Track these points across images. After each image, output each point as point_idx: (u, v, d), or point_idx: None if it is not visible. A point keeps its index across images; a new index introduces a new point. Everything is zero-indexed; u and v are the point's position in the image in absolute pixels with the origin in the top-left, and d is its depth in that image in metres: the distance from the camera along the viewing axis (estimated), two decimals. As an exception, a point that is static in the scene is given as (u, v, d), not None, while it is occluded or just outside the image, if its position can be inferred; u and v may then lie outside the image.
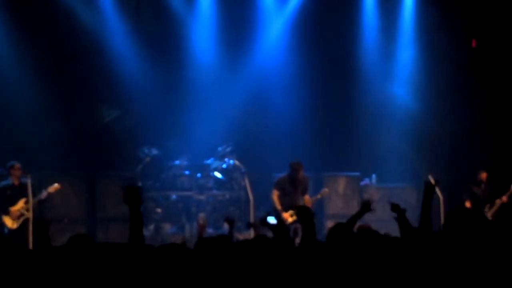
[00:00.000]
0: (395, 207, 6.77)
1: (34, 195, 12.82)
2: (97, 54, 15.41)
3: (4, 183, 13.17)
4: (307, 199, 13.31)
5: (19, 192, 12.92)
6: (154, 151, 15.15)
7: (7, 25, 15.02)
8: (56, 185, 13.09)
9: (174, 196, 15.02)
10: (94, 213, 15.09)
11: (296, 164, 13.16)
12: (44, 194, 12.93)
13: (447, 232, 4.69)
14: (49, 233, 6.04)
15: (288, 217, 12.97)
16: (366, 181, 15.99)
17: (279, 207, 13.08)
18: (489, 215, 13.64)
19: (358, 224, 7.83)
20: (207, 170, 15.14)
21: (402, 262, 5.22)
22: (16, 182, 13.01)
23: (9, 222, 12.86)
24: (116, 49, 15.61)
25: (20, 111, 15.13)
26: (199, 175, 15.13)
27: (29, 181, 12.74)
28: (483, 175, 14.19)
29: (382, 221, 13.81)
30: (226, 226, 14.11)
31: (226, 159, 15.16)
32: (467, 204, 14.03)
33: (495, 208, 13.87)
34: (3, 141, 14.73)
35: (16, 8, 15.01)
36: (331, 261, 5.42)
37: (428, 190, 6.86)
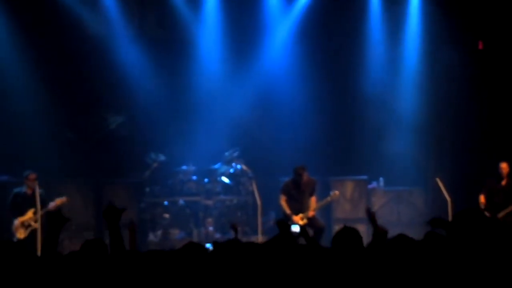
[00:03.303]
0: (434, 223, 6.37)
1: (42, 205, 12.81)
2: (102, 60, 15.42)
3: (16, 190, 13.19)
4: (313, 201, 13.32)
5: (29, 201, 12.89)
6: (162, 157, 15.16)
7: (13, 32, 15.05)
8: (64, 198, 13.06)
9: (181, 202, 15.01)
10: (101, 219, 15.05)
11: (299, 168, 13.20)
12: (52, 206, 12.90)
13: (454, 235, 4.67)
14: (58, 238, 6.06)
15: (299, 220, 13.03)
16: (373, 184, 15.97)
17: (288, 211, 13.10)
18: (500, 215, 13.22)
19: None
20: (214, 175, 15.14)
21: (409, 265, 5.20)
22: (29, 192, 12.98)
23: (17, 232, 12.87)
24: (121, 55, 15.62)
25: (25, 118, 15.15)
26: (206, 180, 15.12)
27: (37, 192, 12.75)
28: (503, 167, 13.43)
29: (390, 224, 13.81)
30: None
31: (233, 164, 15.17)
32: (481, 198, 13.49)
33: (507, 211, 13.20)
34: (9, 148, 14.76)
35: (22, 14, 15.04)
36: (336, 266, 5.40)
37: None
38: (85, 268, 5.22)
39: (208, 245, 7.66)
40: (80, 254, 5.37)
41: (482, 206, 13.42)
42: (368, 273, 5.19)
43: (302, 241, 6.83)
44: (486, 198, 13.51)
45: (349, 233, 5.66)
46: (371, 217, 7.86)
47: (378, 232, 7.52)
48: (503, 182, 13.56)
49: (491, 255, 4.63)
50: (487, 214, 12.97)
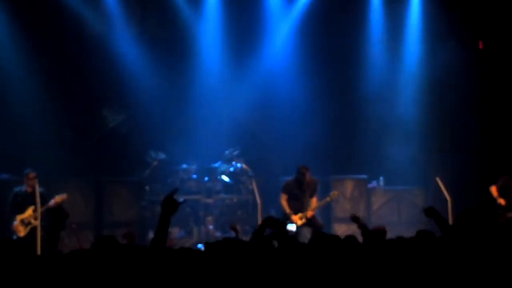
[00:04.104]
0: (429, 212, 6.50)
1: (43, 203, 12.83)
2: (103, 59, 15.42)
3: (17, 189, 13.26)
4: (314, 201, 13.36)
5: (29, 200, 12.93)
6: (162, 155, 15.16)
7: (14, 30, 15.05)
8: (64, 195, 13.09)
9: (181, 200, 14.99)
10: (101, 218, 15.11)
11: (302, 168, 13.24)
12: (52, 203, 12.94)
13: (456, 235, 4.67)
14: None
15: (298, 220, 13.07)
16: (373, 183, 15.97)
17: (288, 210, 13.13)
18: (509, 215, 13.31)
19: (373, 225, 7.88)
20: (214, 174, 15.14)
21: (412, 265, 5.21)
22: (29, 190, 13.04)
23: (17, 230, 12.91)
24: (122, 53, 15.62)
25: (26, 117, 15.15)
26: (206, 178, 15.12)
27: (37, 190, 12.77)
28: None
29: (390, 223, 13.83)
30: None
31: (233, 163, 15.17)
32: (493, 190, 13.57)
33: None
34: (10, 147, 14.78)
35: (23, 12, 15.04)
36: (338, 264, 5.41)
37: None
38: (97, 266, 5.22)
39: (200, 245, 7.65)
40: (92, 251, 5.37)
41: (499, 201, 13.39)
42: (367, 272, 5.20)
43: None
44: (501, 196, 13.51)
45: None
46: (358, 222, 8.03)
47: (367, 233, 7.60)
48: None
49: (493, 255, 4.63)
50: (502, 211, 13.06)
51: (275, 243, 6.31)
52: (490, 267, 4.57)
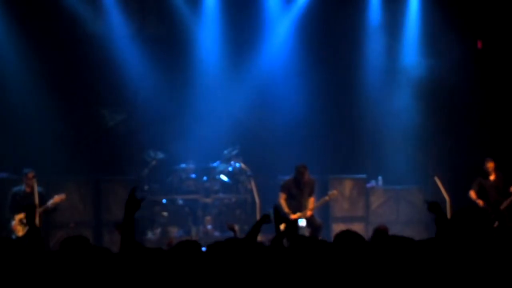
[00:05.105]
0: (432, 207, 6.34)
1: (41, 203, 12.83)
2: (102, 58, 15.41)
3: (16, 189, 13.29)
4: (311, 201, 13.37)
5: (28, 199, 12.91)
6: (160, 155, 15.16)
7: (12, 30, 15.04)
8: (62, 195, 13.10)
9: (180, 200, 15.01)
10: (100, 217, 15.10)
11: (301, 167, 13.26)
12: (50, 203, 12.95)
13: (453, 233, 4.67)
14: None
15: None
16: (372, 183, 15.97)
17: (287, 210, 13.14)
18: (502, 207, 13.59)
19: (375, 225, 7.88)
20: (213, 173, 15.14)
21: (407, 264, 5.20)
22: (28, 190, 13.05)
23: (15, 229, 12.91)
24: (120, 52, 15.62)
25: (25, 116, 15.14)
26: (205, 178, 15.12)
27: (35, 189, 12.78)
28: (489, 165, 14.05)
29: (389, 223, 13.82)
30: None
31: (232, 162, 15.16)
32: (472, 194, 14.00)
33: (508, 201, 13.71)
34: (9, 146, 14.78)
35: (21, 12, 15.04)
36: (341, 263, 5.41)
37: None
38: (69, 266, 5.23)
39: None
40: (61, 252, 5.38)
41: (478, 203, 13.75)
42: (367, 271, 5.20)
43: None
44: (481, 196, 13.93)
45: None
46: None
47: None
48: (491, 178, 14.07)
49: (490, 253, 4.63)
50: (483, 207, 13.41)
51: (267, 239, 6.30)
52: (487, 264, 4.57)
